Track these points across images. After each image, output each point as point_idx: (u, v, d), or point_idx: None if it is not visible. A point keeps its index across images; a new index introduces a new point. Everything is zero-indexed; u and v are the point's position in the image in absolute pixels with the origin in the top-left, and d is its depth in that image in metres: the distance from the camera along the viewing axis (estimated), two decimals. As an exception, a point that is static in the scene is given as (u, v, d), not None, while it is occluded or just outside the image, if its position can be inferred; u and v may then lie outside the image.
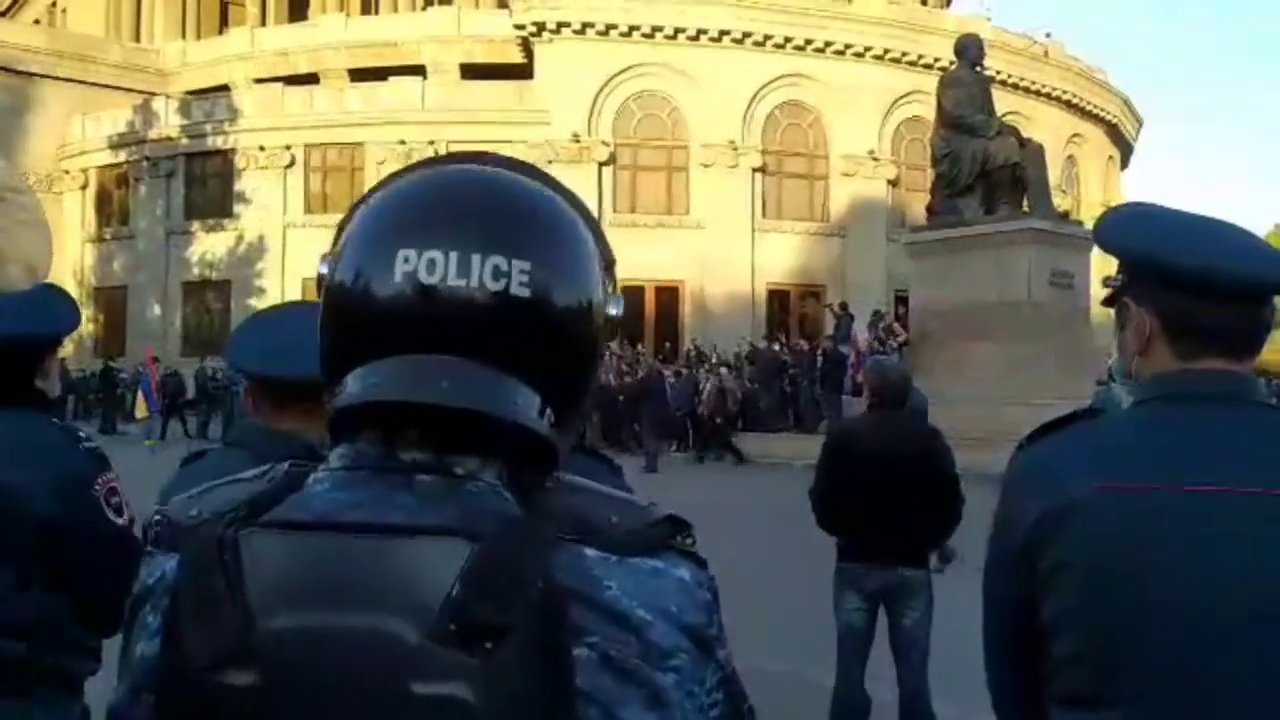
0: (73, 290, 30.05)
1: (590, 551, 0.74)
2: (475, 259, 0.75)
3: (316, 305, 0.85)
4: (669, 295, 27.94)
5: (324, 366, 0.82)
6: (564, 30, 27.42)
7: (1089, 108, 33.95)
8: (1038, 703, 1.38)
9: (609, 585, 0.73)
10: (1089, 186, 35.03)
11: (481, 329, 0.76)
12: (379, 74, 29.68)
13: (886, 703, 4.28)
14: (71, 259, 31.71)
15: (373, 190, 0.84)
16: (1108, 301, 1.48)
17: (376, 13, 35.04)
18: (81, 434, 2.11)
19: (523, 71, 28.63)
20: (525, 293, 0.76)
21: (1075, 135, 33.84)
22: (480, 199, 0.80)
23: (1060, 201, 27.84)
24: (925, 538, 4.13)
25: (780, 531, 9.76)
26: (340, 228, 0.83)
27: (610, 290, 0.83)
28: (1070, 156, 33.69)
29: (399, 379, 0.75)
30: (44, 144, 31.42)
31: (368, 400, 0.76)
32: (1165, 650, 1.25)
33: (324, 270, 0.81)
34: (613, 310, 0.83)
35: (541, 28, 27.50)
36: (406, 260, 0.75)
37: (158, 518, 0.82)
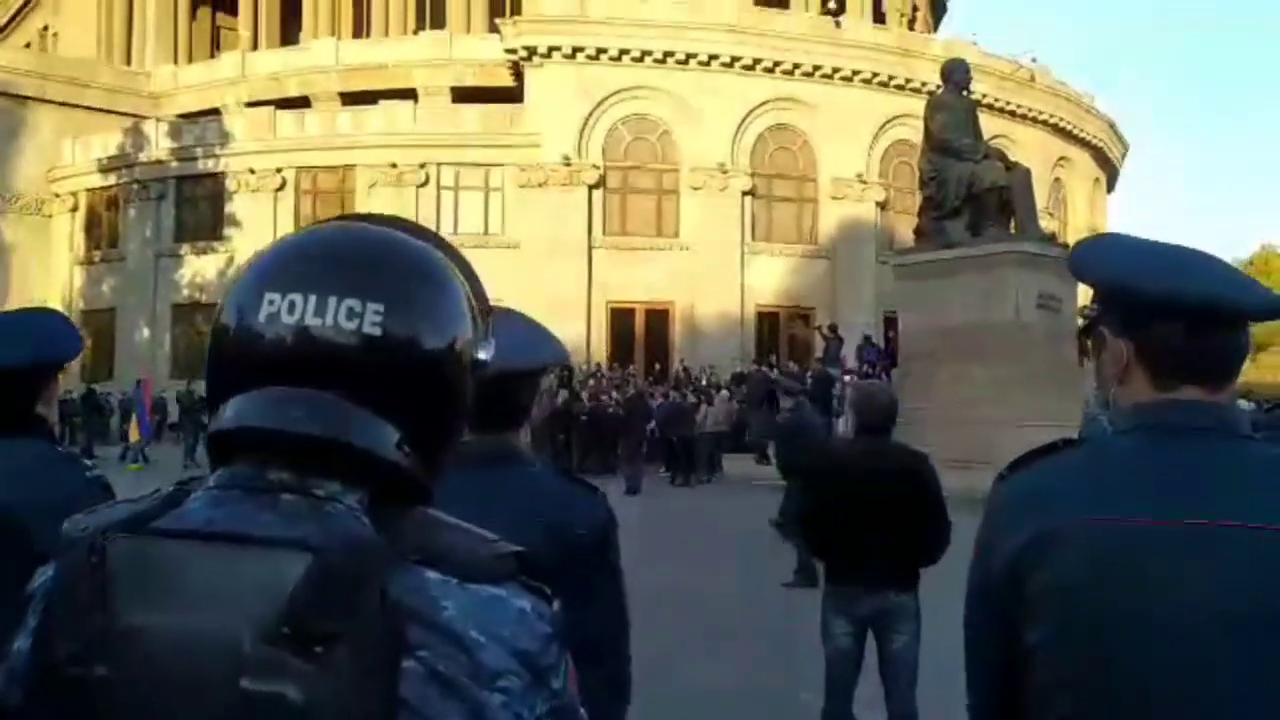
0: (62, 312, 30.04)
1: (432, 574, 0.79)
2: (331, 300, 0.83)
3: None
4: (659, 317, 27.99)
5: (208, 397, 0.89)
6: (554, 54, 27.57)
7: (1075, 131, 34.23)
8: None
9: (445, 606, 0.78)
10: (1075, 209, 35.26)
11: (337, 365, 0.83)
12: (370, 97, 29.76)
13: (876, 727, 4.29)
14: (60, 281, 31.63)
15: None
16: (1084, 331, 1.50)
17: (368, 36, 35.18)
18: (87, 461, 2.12)
19: (513, 95, 28.75)
20: (377, 331, 0.83)
21: (1062, 159, 34.10)
22: (344, 249, 0.88)
23: (1047, 224, 28.02)
24: (913, 562, 4.14)
25: (769, 554, 9.77)
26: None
27: (482, 335, 0.91)
28: (1057, 180, 33.93)
29: (256, 408, 0.83)
30: (34, 167, 31.39)
31: (222, 428, 0.84)
32: (1148, 681, 1.26)
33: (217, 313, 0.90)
34: (482, 354, 0.91)
35: (532, 52, 27.65)
36: (271, 302, 0.84)
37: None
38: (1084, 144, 35.14)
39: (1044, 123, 32.58)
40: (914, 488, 4.11)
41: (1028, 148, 29.00)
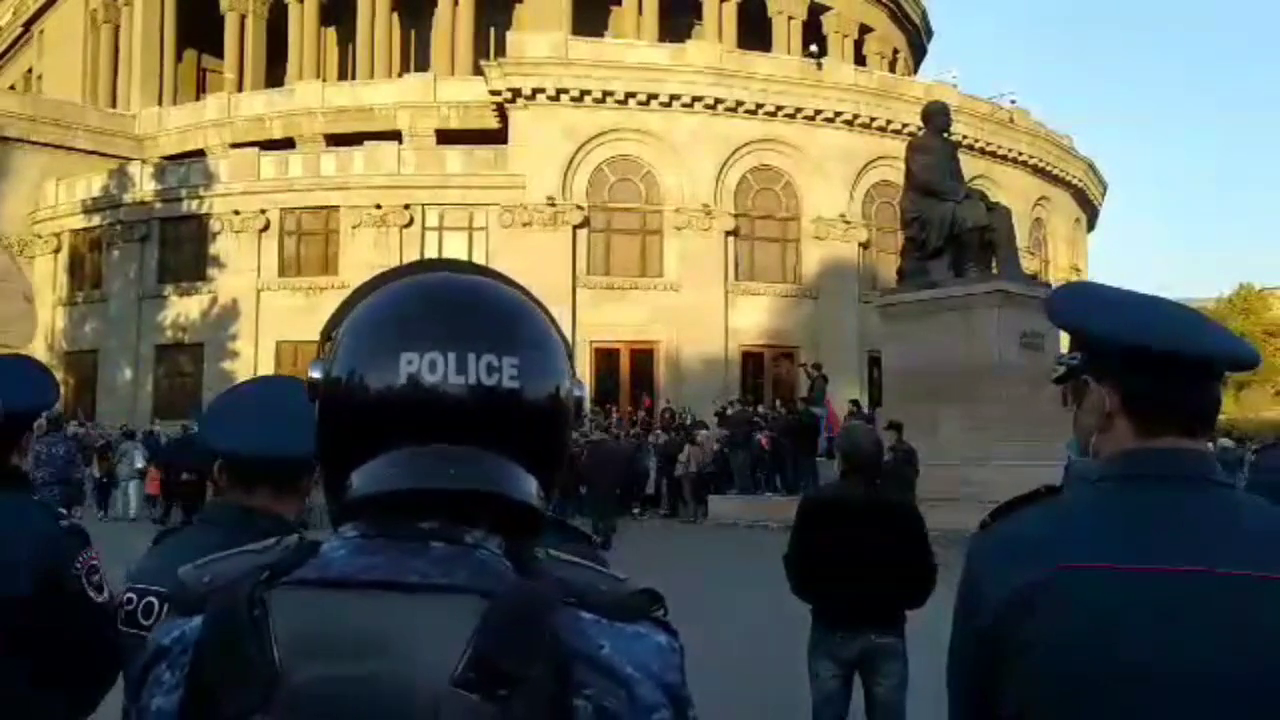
0: (43, 354, 29.77)
1: (586, 614, 0.82)
2: (471, 358, 0.85)
3: (288, 381, 0.91)
4: (644, 356, 28.01)
5: (323, 456, 0.90)
6: (538, 96, 27.78)
7: (1055, 172, 34.64)
8: None
9: (603, 645, 0.81)
10: (1057, 249, 35.60)
11: (478, 419, 0.85)
12: (354, 140, 29.87)
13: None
14: (43, 323, 31.40)
15: (359, 295, 0.94)
16: (1061, 380, 1.50)
17: (353, 79, 35.38)
18: (61, 511, 2.09)
19: (498, 137, 28.92)
20: (515, 384, 0.86)
21: (1042, 198, 34.48)
22: (469, 305, 0.90)
23: (1029, 264, 28.28)
24: (898, 604, 4.12)
25: (753, 596, 9.71)
26: (326, 332, 0.93)
27: (573, 376, 0.93)
28: (1038, 219, 34.28)
29: (412, 470, 0.84)
30: (18, 208, 31.32)
31: (390, 489, 0.84)
32: None
33: (317, 375, 0.90)
34: (578, 393, 0.93)
35: (516, 94, 27.86)
36: (410, 362, 0.85)
37: (134, 588, 0.88)
38: (1064, 184, 35.57)
39: (1024, 163, 32.98)
40: (898, 529, 4.11)
41: (1008, 188, 29.35)
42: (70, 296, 31.71)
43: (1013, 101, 33.27)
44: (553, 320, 0.95)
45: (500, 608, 0.78)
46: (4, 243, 31.10)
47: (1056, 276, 33.38)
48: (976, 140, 30.34)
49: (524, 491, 0.86)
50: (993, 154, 31.49)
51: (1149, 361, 1.35)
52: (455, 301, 0.90)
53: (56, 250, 31.77)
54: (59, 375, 30.31)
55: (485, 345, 0.86)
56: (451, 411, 0.84)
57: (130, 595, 1.76)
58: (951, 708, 1.47)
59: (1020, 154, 32.68)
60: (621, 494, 17.97)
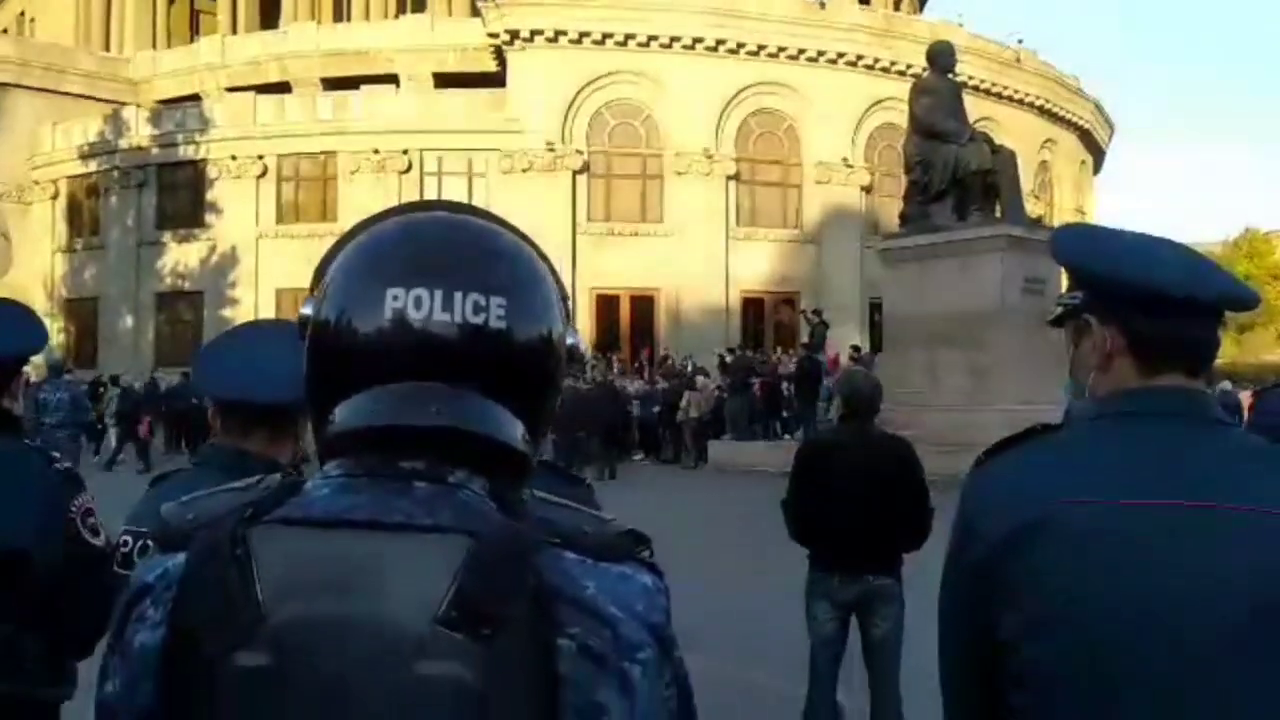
0: (43, 301, 29.76)
1: (569, 554, 0.82)
2: (458, 296, 0.84)
3: (279, 326, 0.88)
4: (644, 303, 27.96)
5: (311, 394, 0.89)
6: (537, 38, 27.42)
7: (1061, 113, 34.29)
8: (996, 717, 1.37)
9: (587, 585, 0.81)
10: (1062, 192, 35.37)
11: (463, 357, 0.85)
12: (351, 83, 29.56)
13: (860, 712, 4.28)
14: (42, 270, 31.37)
15: (350, 235, 0.92)
16: (1057, 321, 1.48)
17: (349, 21, 34.90)
18: (54, 454, 2.08)
19: (496, 80, 28.60)
20: (502, 325, 0.85)
21: (1048, 141, 34.18)
22: (458, 242, 0.89)
23: (1034, 207, 28.10)
24: (894, 546, 4.13)
25: (752, 540, 9.78)
26: (319, 272, 0.91)
27: (568, 323, 0.93)
28: (1043, 162, 34.01)
29: (394, 406, 0.84)
30: (13, 154, 31.09)
31: (369, 425, 0.84)
32: (1129, 665, 1.25)
33: (308, 311, 0.89)
34: (570, 341, 0.93)
35: (515, 36, 27.49)
36: (395, 298, 0.84)
37: (130, 530, 0.87)
38: (1071, 126, 35.24)
39: (1030, 105, 32.63)
40: (896, 473, 4.11)
41: (1014, 130, 29.03)
42: (70, 243, 31.62)
43: (1020, 41, 32.87)
44: (550, 266, 0.94)
45: (483, 548, 0.78)
46: (2, 188, 30.94)
47: (1061, 220, 33.22)
48: (982, 81, 29.98)
49: (507, 433, 0.85)
50: (998, 95, 31.13)
51: (1152, 301, 1.35)
52: (444, 239, 0.89)
53: (54, 196, 31.62)
54: (60, 323, 30.55)
55: (473, 283, 0.85)
56: (436, 349, 0.84)
57: (126, 538, 1.78)
58: (942, 644, 1.47)
59: (1026, 95, 32.32)
60: (608, 438, 18.15)
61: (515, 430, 0.86)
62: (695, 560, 9.31)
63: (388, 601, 0.77)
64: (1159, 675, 1.24)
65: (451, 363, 0.84)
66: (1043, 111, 33.34)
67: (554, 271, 0.95)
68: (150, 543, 1.70)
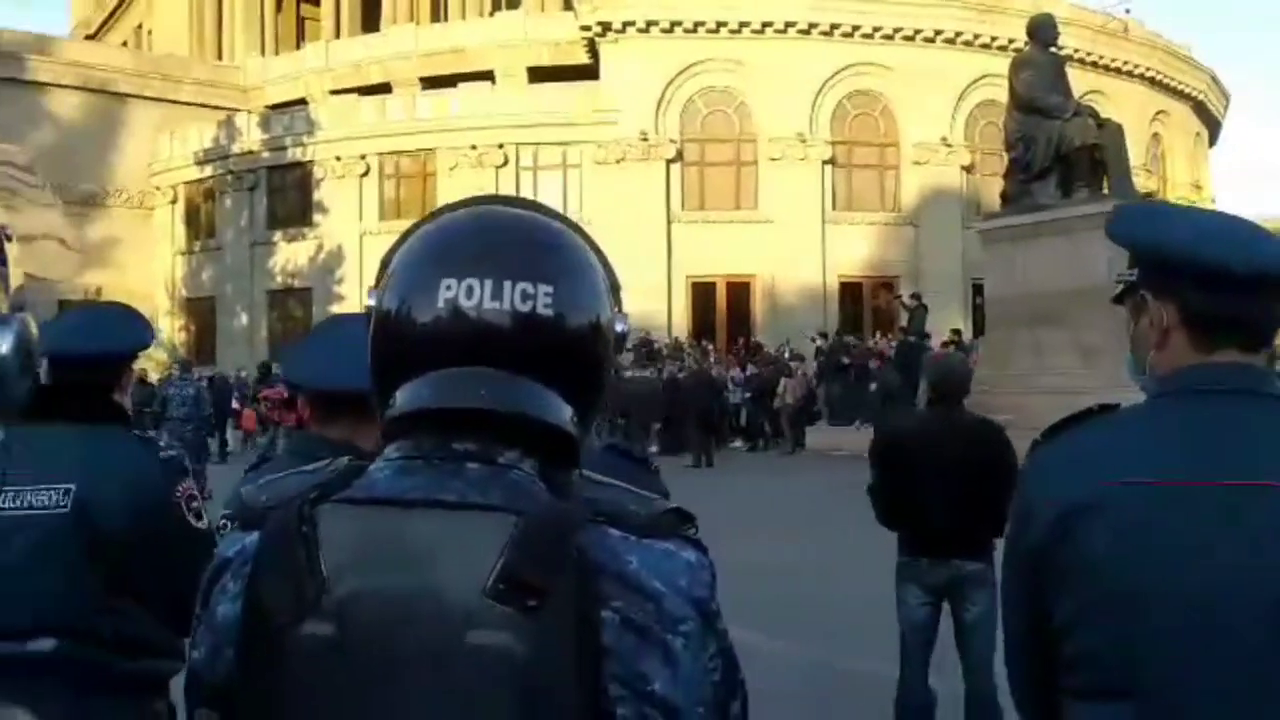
0: (164, 301, 31.05)
1: (613, 531, 0.86)
2: (507, 285, 0.89)
3: (362, 317, 0.96)
4: (741, 290, 27.87)
5: (375, 381, 0.95)
6: (629, 29, 27.50)
7: (1173, 84, 32.91)
8: (1055, 698, 1.38)
9: (630, 560, 0.85)
10: (1175, 165, 33.98)
11: (513, 344, 0.89)
12: (449, 81, 30.13)
13: (955, 696, 4.26)
14: (163, 272, 32.83)
15: (411, 230, 0.98)
16: (1119, 298, 1.48)
17: (445, 20, 35.55)
18: (160, 443, 2.23)
19: (589, 72, 28.79)
20: (549, 312, 0.90)
21: (1159, 113, 32.85)
22: (509, 234, 0.94)
23: (1145, 182, 27.09)
24: (986, 531, 4.09)
25: (846, 525, 9.71)
26: (383, 265, 0.97)
27: (617, 310, 0.97)
28: (1155, 135, 32.72)
29: (445, 389, 0.89)
30: (135, 162, 32.54)
31: (419, 408, 0.89)
32: (1184, 645, 1.25)
33: (371, 300, 0.95)
34: (619, 327, 0.97)
35: (607, 28, 27.63)
36: (449, 288, 0.89)
37: (227, 514, 0.95)
38: (1183, 97, 33.80)
39: (1140, 76, 31.41)
40: (986, 457, 4.06)
41: (1123, 103, 28.01)
42: (188, 246, 32.98)
43: (1127, 11, 31.61)
44: (601, 255, 0.98)
45: (529, 525, 0.82)
46: (124, 196, 32.43)
47: (1175, 195, 31.92)
48: (1089, 54, 28.96)
49: (555, 415, 0.90)
50: (1105, 67, 30.03)
51: (1205, 275, 1.33)
52: (495, 232, 0.94)
53: (173, 201, 33.00)
54: (180, 321, 31.91)
55: (522, 273, 0.89)
56: (488, 336, 0.88)
57: (225, 521, 1.88)
58: (1005, 622, 1.49)
59: (1135, 66, 31.10)
60: (704, 425, 18.16)
61: (563, 413, 0.90)
62: (788, 545, 9.31)
63: (441, 575, 0.82)
64: (1210, 660, 1.23)
65: (502, 349, 0.89)
66: (1153, 83, 32.04)
67: (605, 260, 0.99)
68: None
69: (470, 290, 0.88)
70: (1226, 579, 1.24)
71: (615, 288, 0.98)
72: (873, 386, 18.68)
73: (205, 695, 0.90)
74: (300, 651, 0.82)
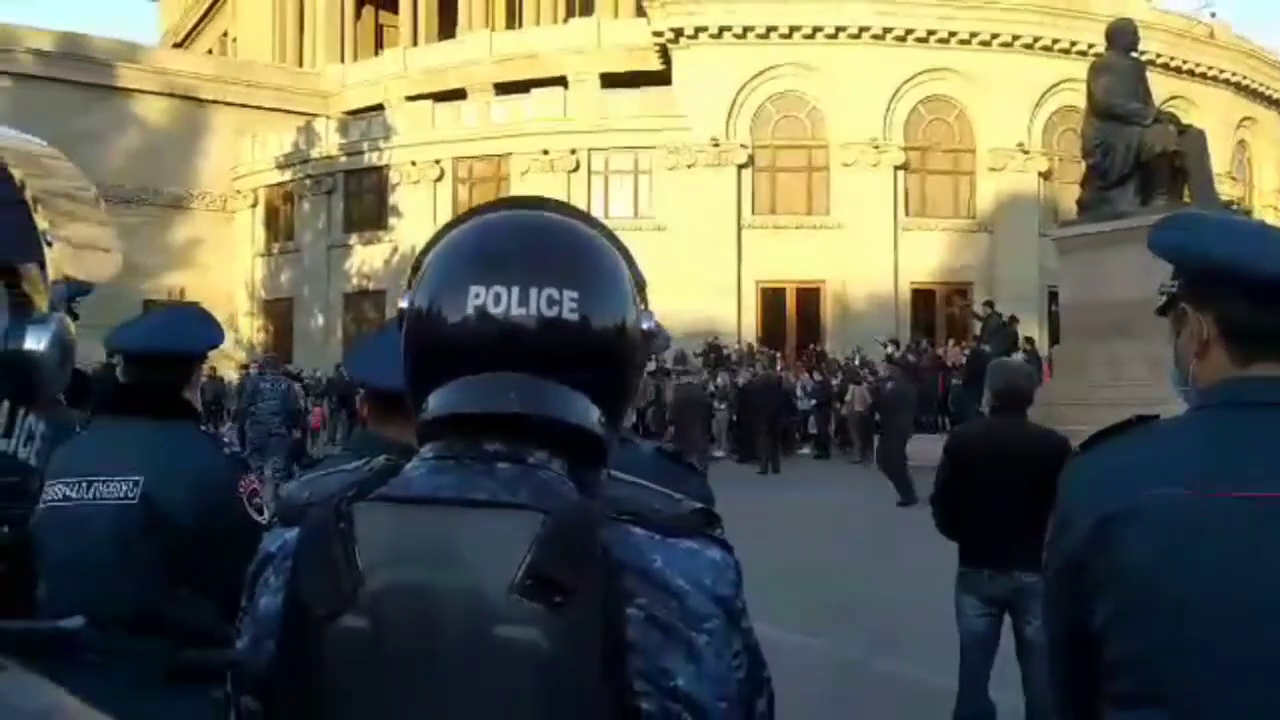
0: (244, 302, 31.83)
1: (638, 530, 0.88)
2: (533, 291, 0.92)
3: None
4: (811, 296, 27.67)
5: (408, 382, 0.98)
6: (701, 35, 27.51)
7: (1260, 89, 31.88)
8: (1094, 703, 1.39)
9: (655, 558, 0.87)
10: (1263, 172, 32.91)
11: (540, 348, 0.92)
12: (523, 87, 30.43)
13: (1015, 709, 4.21)
14: (243, 273, 33.68)
15: (441, 234, 1.01)
16: (1163, 309, 1.48)
17: (520, 26, 35.95)
18: (225, 440, 2.33)
19: (661, 78, 28.86)
20: (574, 317, 0.92)
21: (1245, 119, 31.85)
22: (535, 240, 0.96)
23: (1230, 189, 26.27)
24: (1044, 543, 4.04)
25: (909, 535, 9.61)
26: (415, 267, 1.00)
27: (643, 308, 0.99)
28: (1241, 142, 31.74)
29: (475, 395, 0.92)
30: (218, 166, 33.45)
31: (452, 413, 0.92)
32: (1217, 654, 1.25)
33: (403, 304, 0.98)
34: (646, 325, 0.99)
35: (679, 34, 27.67)
36: (477, 295, 0.92)
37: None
38: (1271, 102, 32.70)
39: (1225, 81, 30.47)
40: (1047, 468, 4.00)
41: (1207, 109, 27.25)
42: (267, 248, 33.78)
43: (1212, 15, 30.75)
44: (628, 257, 1.01)
45: (555, 523, 0.85)
46: (206, 199, 33.38)
47: (1261, 202, 30.95)
48: (1171, 59, 28.21)
49: (582, 417, 0.92)
50: (1189, 72, 29.21)
51: (1243, 286, 1.33)
52: (523, 239, 0.96)
53: (254, 205, 33.84)
54: (259, 322, 32.70)
55: (547, 279, 0.92)
56: (516, 341, 0.91)
57: (275, 519, 1.96)
58: (1045, 628, 1.51)
59: (1220, 71, 30.18)
60: (772, 432, 18.09)
61: (591, 414, 0.93)
62: (852, 554, 9.24)
63: (471, 571, 0.85)
64: (1243, 670, 1.23)
65: (530, 353, 0.91)
66: (1239, 88, 31.06)
67: (632, 261, 1.01)
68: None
69: (498, 297, 0.91)
70: (1260, 590, 1.24)
71: (641, 286, 1.00)
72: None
73: (248, 685, 0.93)
74: (337, 643, 0.85)
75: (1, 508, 1.10)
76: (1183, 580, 1.27)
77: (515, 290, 0.91)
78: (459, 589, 0.85)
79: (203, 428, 2.29)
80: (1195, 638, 1.27)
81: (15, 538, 1.13)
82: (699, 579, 0.88)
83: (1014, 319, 21.13)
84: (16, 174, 0.56)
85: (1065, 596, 1.41)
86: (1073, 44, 27.18)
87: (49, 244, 0.59)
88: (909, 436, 14.22)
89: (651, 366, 16.79)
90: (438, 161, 29.85)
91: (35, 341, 0.55)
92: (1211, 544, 1.27)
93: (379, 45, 39.48)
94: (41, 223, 0.58)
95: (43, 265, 0.64)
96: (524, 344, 0.91)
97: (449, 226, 1.01)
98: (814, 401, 20.14)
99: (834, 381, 20.63)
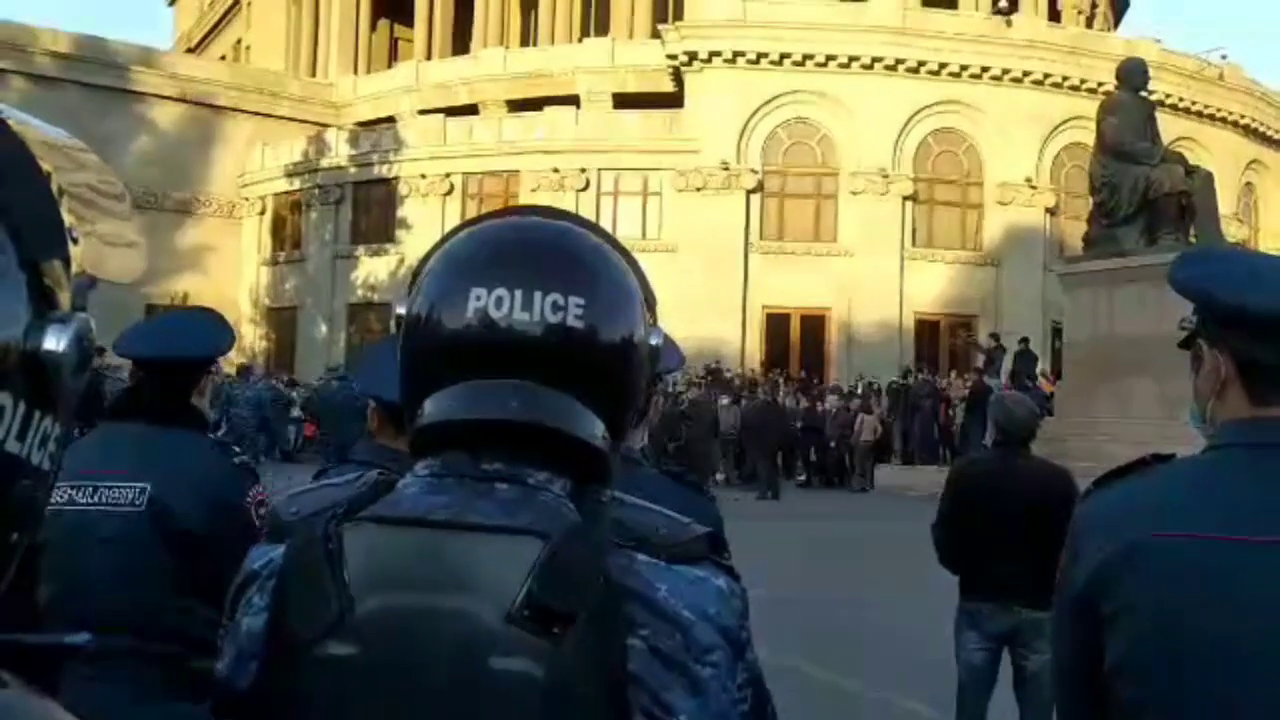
0: (247, 309, 31.85)
1: (642, 557, 0.84)
2: (537, 295, 0.87)
3: None
4: (815, 323, 27.68)
5: (404, 391, 0.92)
6: (715, 59, 27.63)
7: (1269, 133, 32.00)
8: None
9: (659, 587, 0.83)
10: (1270, 214, 32.95)
11: (543, 356, 0.87)
12: (535, 104, 30.55)
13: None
14: (248, 281, 33.70)
15: (445, 239, 0.96)
16: (1184, 344, 1.48)
17: (535, 44, 36.13)
18: (235, 449, 2.32)
19: (674, 100, 28.98)
20: (580, 324, 0.87)
21: (1254, 161, 31.94)
22: (541, 245, 0.92)
23: (1236, 231, 26.32)
24: (1050, 579, 4.02)
25: (911, 566, 9.56)
26: (415, 273, 0.95)
27: (651, 323, 0.95)
28: (1248, 184, 31.81)
29: (474, 401, 0.87)
30: (227, 172, 33.53)
31: (446, 419, 0.87)
32: (1224, 697, 1.24)
33: (401, 310, 0.93)
34: (654, 340, 0.94)
35: (693, 57, 27.80)
36: (478, 298, 0.87)
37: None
38: (1279, 145, 32.83)
39: (1234, 124, 30.59)
40: (1049, 502, 3.99)
41: (1216, 150, 27.34)
42: (273, 256, 33.82)
43: (1223, 57, 30.86)
44: (638, 271, 0.96)
45: (555, 550, 0.81)
46: (214, 205, 33.46)
47: (1268, 244, 30.94)
48: (1181, 99, 28.32)
49: (585, 429, 0.87)
50: (1199, 114, 29.32)
51: (1257, 325, 1.32)
52: (528, 242, 0.92)
53: (261, 212, 33.89)
54: (262, 330, 32.71)
55: (553, 284, 0.87)
56: (517, 347, 0.86)
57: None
58: (1054, 664, 1.50)
59: (1229, 113, 30.30)
60: (773, 458, 18.07)
61: (594, 428, 0.88)
62: (853, 584, 9.20)
63: (465, 598, 0.80)
64: (1250, 714, 1.23)
65: (532, 361, 0.86)
66: (1248, 131, 31.18)
67: (641, 275, 0.96)
68: None
69: (500, 300, 0.86)
70: (1270, 636, 1.23)
71: (650, 301, 0.96)
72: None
73: (228, 706, 0.89)
74: (322, 670, 0.81)
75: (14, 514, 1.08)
76: (1182, 625, 1.27)
77: (518, 293, 0.86)
78: (452, 616, 0.81)
79: (211, 436, 2.27)
80: (1201, 681, 1.25)
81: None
82: (704, 609, 0.84)
83: (1025, 340, 21.09)
84: (44, 166, 0.56)
85: (1073, 632, 1.41)
86: (1083, 81, 27.31)
87: (74, 240, 0.58)
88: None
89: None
90: (448, 176, 29.93)
91: (55, 341, 0.54)
92: (1213, 589, 1.26)
93: (393, 58, 39.66)
94: (67, 218, 0.57)
95: (67, 262, 0.63)
96: (527, 351, 0.86)
97: (454, 231, 0.97)
98: (800, 424, 20.03)
99: (820, 407, 20.52)
